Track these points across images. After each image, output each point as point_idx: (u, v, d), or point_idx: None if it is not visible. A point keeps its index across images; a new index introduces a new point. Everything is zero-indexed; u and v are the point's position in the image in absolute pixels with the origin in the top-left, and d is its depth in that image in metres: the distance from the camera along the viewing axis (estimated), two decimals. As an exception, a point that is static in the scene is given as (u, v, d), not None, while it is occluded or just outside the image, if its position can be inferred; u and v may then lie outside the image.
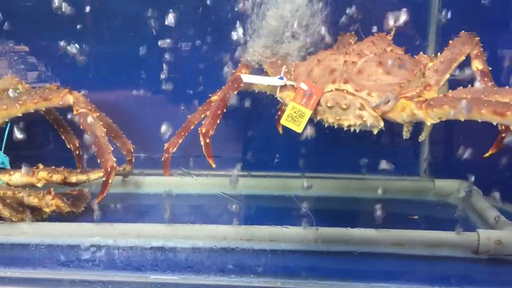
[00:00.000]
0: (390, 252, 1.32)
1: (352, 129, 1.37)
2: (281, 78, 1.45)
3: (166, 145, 1.73)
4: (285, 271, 1.26)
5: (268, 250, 1.31)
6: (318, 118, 1.39)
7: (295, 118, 1.39)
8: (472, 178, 1.54)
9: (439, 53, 1.43)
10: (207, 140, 1.49)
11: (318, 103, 1.36)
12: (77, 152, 1.87)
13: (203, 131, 1.48)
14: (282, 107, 1.70)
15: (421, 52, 1.48)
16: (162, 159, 1.74)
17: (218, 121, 1.50)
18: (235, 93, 1.50)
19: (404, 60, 1.35)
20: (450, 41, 1.43)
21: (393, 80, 1.32)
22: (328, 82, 1.35)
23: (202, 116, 1.67)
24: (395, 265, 1.30)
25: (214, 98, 1.66)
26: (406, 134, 1.49)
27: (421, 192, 1.72)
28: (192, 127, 1.70)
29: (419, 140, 1.66)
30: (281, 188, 1.69)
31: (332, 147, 1.76)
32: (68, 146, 1.86)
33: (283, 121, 1.41)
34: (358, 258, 1.30)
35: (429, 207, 1.67)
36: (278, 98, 1.47)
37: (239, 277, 1.23)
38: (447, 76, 1.39)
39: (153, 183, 1.76)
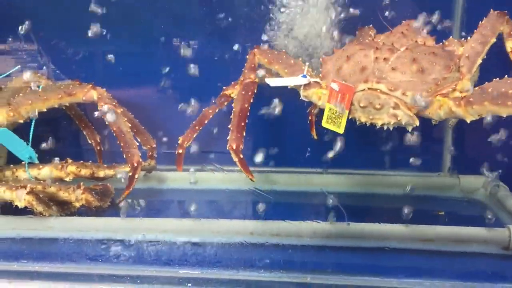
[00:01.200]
0: (420, 248, 1.31)
1: (385, 127, 1.34)
2: (304, 76, 1.42)
3: (180, 139, 1.70)
4: (315, 267, 1.25)
5: (298, 246, 1.30)
6: (350, 116, 1.35)
7: (334, 119, 1.35)
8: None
9: (468, 37, 1.39)
10: (240, 156, 1.45)
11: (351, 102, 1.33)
12: (98, 148, 1.88)
13: (233, 147, 1.44)
14: (312, 111, 1.69)
15: (451, 37, 1.45)
16: (176, 153, 1.71)
17: (244, 133, 1.47)
18: (251, 100, 1.49)
19: (438, 55, 1.31)
20: (480, 22, 1.39)
21: (428, 78, 1.28)
22: (360, 81, 1.31)
23: (217, 110, 1.66)
24: (425, 261, 1.29)
25: (229, 91, 1.65)
26: (434, 121, 1.47)
27: (445, 188, 1.70)
28: (206, 121, 1.68)
29: (449, 126, 1.63)
30: (308, 184, 1.68)
31: (354, 142, 1.74)
32: (89, 142, 1.87)
33: (324, 123, 1.37)
34: (389, 254, 1.29)
35: (455, 204, 1.66)
36: (303, 98, 1.43)
37: (268, 273, 1.23)
38: (479, 61, 1.34)
39: (177, 178, 1.76)
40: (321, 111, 1.41)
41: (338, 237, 1.30)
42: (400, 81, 1.28)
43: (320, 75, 1.43)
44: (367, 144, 1.74)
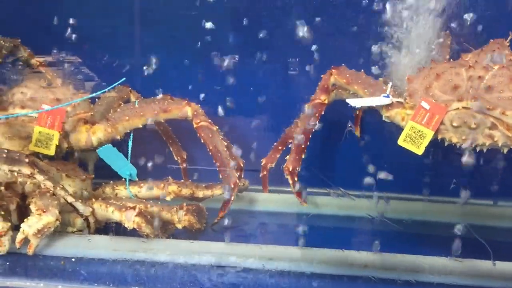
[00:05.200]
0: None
1: (478, 149, 1.28)
2: (387, 96, 1.38)
3: (263, 161, 1.69)
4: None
5: (417, 282, 1.19)
6: (439, 137, 1.31)
7: (414, 139, 1.31)
8: None
9: None
10: (295, 178, 1.45)
11: (441, 122, 1.28)
12: (184, 165, 1.84)
13: (290, 169, 1.44)
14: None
15: None
16: (260, 175, 1.69)
17: (303, 156, 1.47)
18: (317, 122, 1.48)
19: None
20: None
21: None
22: (453, 100, 1.27)
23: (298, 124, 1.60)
24: None
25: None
26: None
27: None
28: (289, 141, 1.64)
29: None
30: (433, 213, 1.59)
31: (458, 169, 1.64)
32: (176, 159, 1.83)
33: (401, 142, 1.33)
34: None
35: None
36: (384, 119, 1.39)
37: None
38: None
39: (269, 200, 1.69)
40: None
41: (473, 276, 1.18)
42: (498, 99, 1.22)
43: (406, 94, 1.38)
44: (470, 172, 1.63)
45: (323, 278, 1.23)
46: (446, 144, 1.30)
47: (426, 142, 1.29)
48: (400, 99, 1.37)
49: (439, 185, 1.61)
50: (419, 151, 1.30)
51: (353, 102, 1.41)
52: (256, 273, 1.22)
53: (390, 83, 1.41)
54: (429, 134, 1.28)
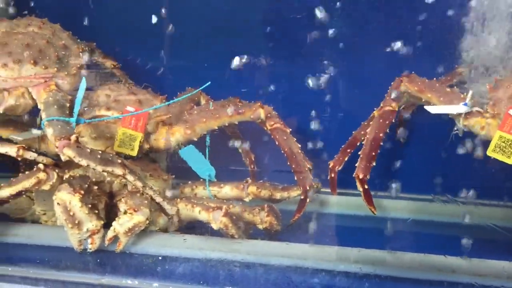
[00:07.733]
0: None
1: None
2: (466, 105, 1.35)
3: (331, 164, 1.68)
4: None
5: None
6: None
7: (504, 148, 1.29)
8: None
9: None
10: (366, 186, 1.44)
11: (531, 130, 1.25)
12: (252, 167, 1.85)
13: (360, 177, 1.43)
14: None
15: None
16: (328, 178, 1.67)
17: (374, 163, 1.45)
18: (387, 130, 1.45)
19: None
20: None
21: None
22: None
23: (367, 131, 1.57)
24: None
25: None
26: None
27: None
28: (358, 144, 1.63)
29: None
30: None
31: None
32: (244, 160, 1.85)
33: (490, 152, 1.31)
34: None
35: None
36: (461, 127, 1.37)
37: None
38: None
39: (341, 203, 1.70)
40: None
41: None
42: None
43: (489, 102, 1.36)
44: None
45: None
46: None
47: None
48: (479, 108, 1.36)
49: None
50: (510, 160, 1.28)
51: (431, 109, 1.40)
52: (351, 276, 1.22)
53: (471, 92, 1.39)
54: None
